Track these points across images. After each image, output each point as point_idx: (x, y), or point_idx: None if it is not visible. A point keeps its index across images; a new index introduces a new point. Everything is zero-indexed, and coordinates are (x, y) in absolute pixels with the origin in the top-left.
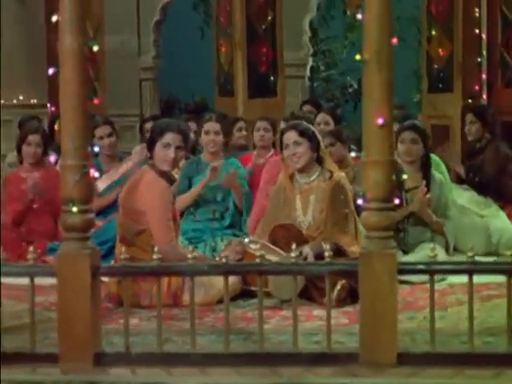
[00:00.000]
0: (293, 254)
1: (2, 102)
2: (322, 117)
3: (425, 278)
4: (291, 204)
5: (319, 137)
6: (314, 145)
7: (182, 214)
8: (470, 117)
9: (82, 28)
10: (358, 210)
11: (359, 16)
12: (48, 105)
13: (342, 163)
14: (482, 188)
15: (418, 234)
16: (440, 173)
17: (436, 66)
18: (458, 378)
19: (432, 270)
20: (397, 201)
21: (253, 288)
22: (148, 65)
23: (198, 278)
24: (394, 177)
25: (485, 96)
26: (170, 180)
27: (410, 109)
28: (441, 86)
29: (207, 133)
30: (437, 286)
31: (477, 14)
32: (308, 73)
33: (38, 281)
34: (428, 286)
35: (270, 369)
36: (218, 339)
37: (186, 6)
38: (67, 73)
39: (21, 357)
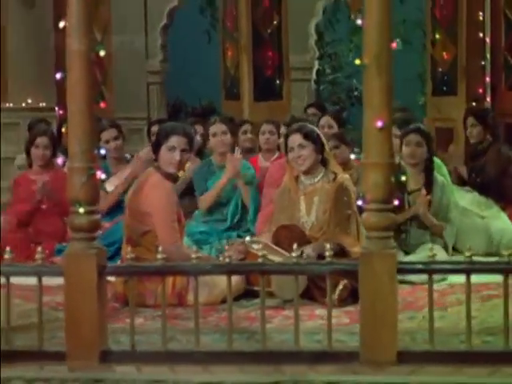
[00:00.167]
0: (294, 254)
1: (11, 105)
2: (325, 120)
3: (425, 278)
4: (295, 205)
5: (323, 139)
6: (319, 147)
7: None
8: (471, 120)
9: (89, 32)
10: (361, 211)
11: (359, 21)
12: (56, 108)
13: (346, 165)
14: (483, 189)
15: (419, 235)
16: (442, 175)
17: (440, 70)
18: (456, 375)
19: (430, 269)
20: (396, 202)
21: (256, 288)
22: (155, 68)
23: (202, 278)
24: (392, 179)
25: (488, 99)
26: (175, 182)
27: (415, 112)
28: (445, 89)
29: (214, 135)
30: (437, 286)
31: (481, 18)
32: (314, 76)
33: (46, 281)
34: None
35: (273, 367)
36: (221, 338)
37: (193, 10)
38: (74, 76)
39: (29, 355)
